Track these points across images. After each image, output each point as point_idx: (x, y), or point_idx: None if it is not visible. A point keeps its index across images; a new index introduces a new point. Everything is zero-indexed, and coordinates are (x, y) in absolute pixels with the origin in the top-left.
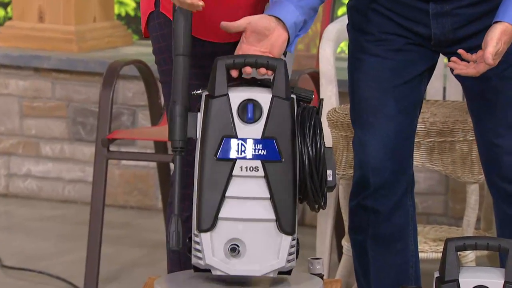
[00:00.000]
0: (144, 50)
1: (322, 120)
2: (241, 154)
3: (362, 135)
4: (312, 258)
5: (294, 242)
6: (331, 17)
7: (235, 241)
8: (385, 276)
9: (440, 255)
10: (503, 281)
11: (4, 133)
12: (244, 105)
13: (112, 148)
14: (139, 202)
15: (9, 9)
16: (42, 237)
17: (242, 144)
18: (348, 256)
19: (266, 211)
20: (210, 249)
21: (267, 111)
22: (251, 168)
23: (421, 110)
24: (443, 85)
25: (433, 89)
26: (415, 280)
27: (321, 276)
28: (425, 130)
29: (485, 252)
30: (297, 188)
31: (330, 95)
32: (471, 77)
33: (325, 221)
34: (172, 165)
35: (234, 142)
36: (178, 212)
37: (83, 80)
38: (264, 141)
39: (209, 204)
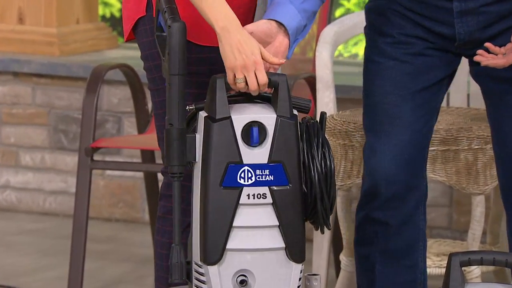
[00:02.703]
0: (130, 54)
1: None
2: (247, 181)
3: (375, 142)
4: (308, 274)
5: (303, 267)
6: (328, 19)
7: (243, 272)
8: None
9: (443, 270)
10: None
11: None
12: (248, 128)
13: (96, 157)
14: (125, 215)
15: None
16: (21, 252)
17: (248, 171)
18: (347, 271)
19: (275, 239)
20: (218, 283)
21: (272, 133)
22: (259, 196)
23: None
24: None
25: None
26: None
27: None
28: None
29: (491, 268)
30: (304, 212)
31: (327, 101)
32: (494, 79)
33: (322, 235)
34: (160, 176)
35: (240, 169)
36: (179, 241)
37: (65, 85)
38: (271, 165)
39: (216, 236)
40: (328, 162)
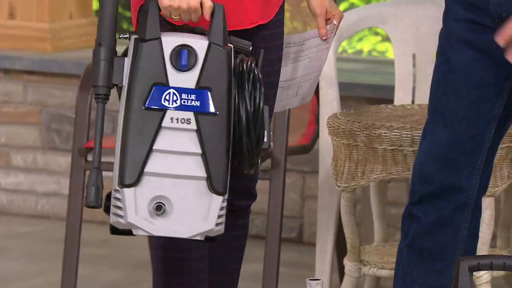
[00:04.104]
0: None
1: (322, 126)
2: (172, 104)
3: (422, 140)
4: (310, 279)
5: (225, 204)
6: None
7: (160, 198)
8: None
9: None
10: None
11: None
12: (178, 51)
13: (90, 158)
14: None
15: None
16: (11, 256)
17: (174, 94)
18: (351, 277)
19: (196, 167)
20: (133, 206)
21: (202, 59)
22: (183, 120)
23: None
24: None
25: None
26: None
27: None
28: None
29: (501, 273)
30: (230, 145)
31: (330, 99)
32: None
33: (325, 238)
34: None
35: (165, 91)
36: (98, 164)
37: (58, 82)
38: (198, 91)
39: (134, 157)
40: (257, 98)
